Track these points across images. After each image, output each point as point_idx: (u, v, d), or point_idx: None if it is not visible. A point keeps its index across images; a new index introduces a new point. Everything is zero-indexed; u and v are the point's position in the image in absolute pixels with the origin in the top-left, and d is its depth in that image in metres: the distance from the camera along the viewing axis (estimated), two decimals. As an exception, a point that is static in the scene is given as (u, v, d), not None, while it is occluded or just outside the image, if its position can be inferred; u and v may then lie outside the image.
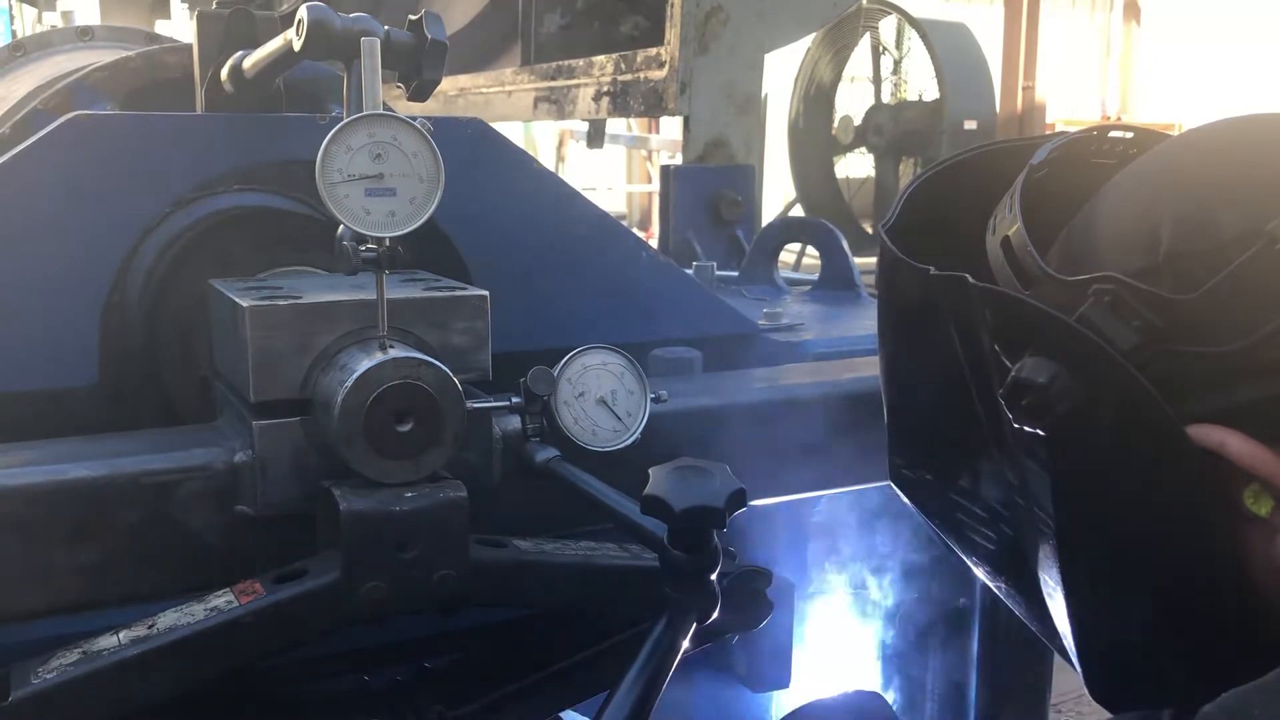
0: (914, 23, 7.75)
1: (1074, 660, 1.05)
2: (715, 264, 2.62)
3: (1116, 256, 0.95)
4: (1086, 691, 1.05)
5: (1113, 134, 1.11)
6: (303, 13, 1.33)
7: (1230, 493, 0.90)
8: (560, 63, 3.58)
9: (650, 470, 1.28)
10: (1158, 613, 0.98)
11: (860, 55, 8.26)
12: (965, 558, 1.19)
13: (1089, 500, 0.95)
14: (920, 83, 7.97)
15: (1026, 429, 0.92)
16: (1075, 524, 0.96)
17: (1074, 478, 0.94)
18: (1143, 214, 0.96)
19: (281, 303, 1.34)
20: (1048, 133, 1.37)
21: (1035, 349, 0.92)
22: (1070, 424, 0.90)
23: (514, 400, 1.41)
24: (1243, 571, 0.92)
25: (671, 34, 3.00)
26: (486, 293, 1.44)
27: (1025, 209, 1.01)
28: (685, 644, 1.33)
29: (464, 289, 1.46)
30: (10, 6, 8.72)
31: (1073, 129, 1.17)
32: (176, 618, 1.23)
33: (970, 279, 0.98)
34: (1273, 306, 0.86)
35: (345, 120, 1.23)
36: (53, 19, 6.54)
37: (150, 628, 1.22)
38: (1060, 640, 1.06)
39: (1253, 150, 0.96)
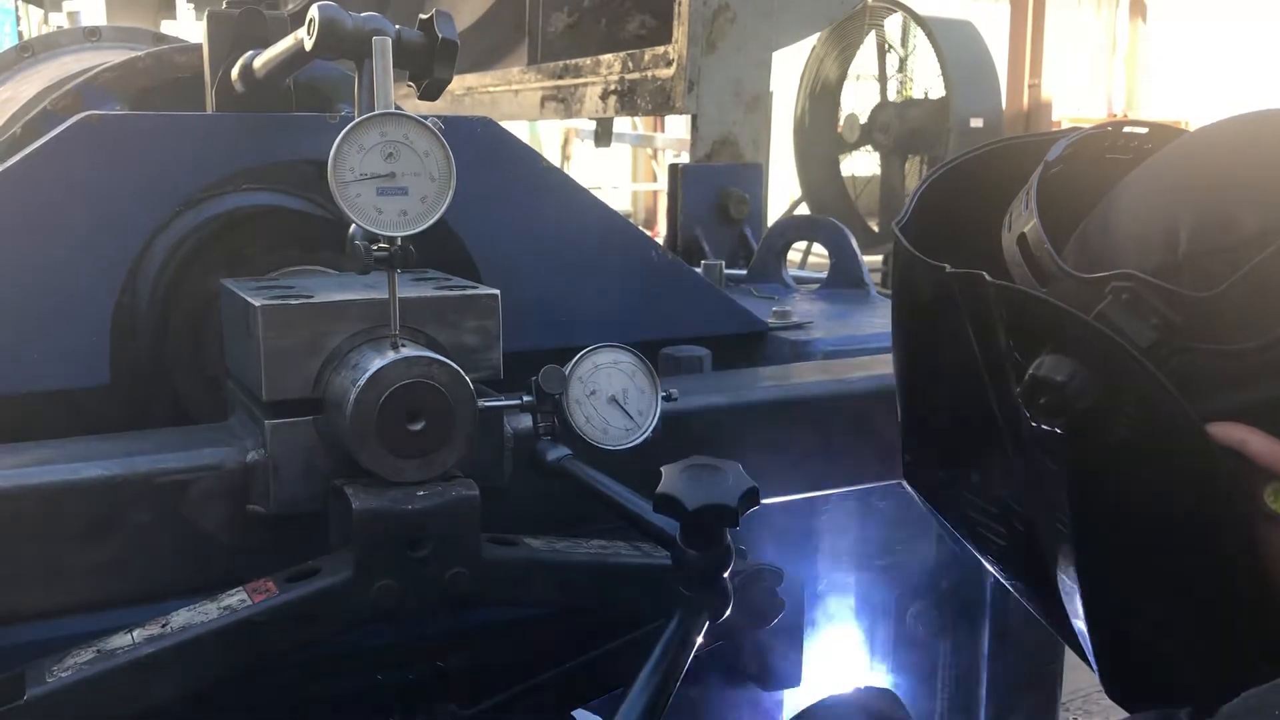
0: (919, 20, 7.73)
1: (1090, 658, 1.05)
2: (724, 262, 2.61)
3: (1134, 254, 0.95)
4: (1096, 690, 1.05)
5: (1127, 129, 1.11)
6: (314, 12, 1.32)
7: (1250, 491, 0.90)
8: (567, 61, 3.57)
9: (663, 468, 1.28)
10: (1176, 611, 0.97)
11: (866, 53, 8.25)
12: (979, 556, 1.19)
13: (1107, 499, 0.94)
14: (926, 81, 7.95)
15: (1044, 427, 0.92)
16: (1093, 522, 0.95)
17: (1092, 476, 0.94)
18: (1161, 211, 0.96)
19: (293, 302, 1.34)
20: (1059, 129, 1.37)
21: (1053, 347, 0.91)
22: (1088, 422, 0.90)
23: (525, 399, 1.40)
24: (1262, 570, 0.92)
25: (679, 32, 3.00)
26: (497, 291, 1.44)
27: (1041, 205, 1.00)
28: (697, 642, 1.33)
29: (475, 288, 1.46)
30: (16, 7, 8.72)
31: (1080, 126, 1.17)
32: (190, 616, 1.23)
33: (987, 276, 0.98)
34: None
35: (357, 119, 1.23)
36: (58, 20, 6.55)
37: (164, 627, 1.22)
38: (1076, 638, 1.06)
39: (1270, 147, 0.96)
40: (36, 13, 7.72)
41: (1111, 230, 1.00)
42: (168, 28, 5.72)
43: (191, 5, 5.92)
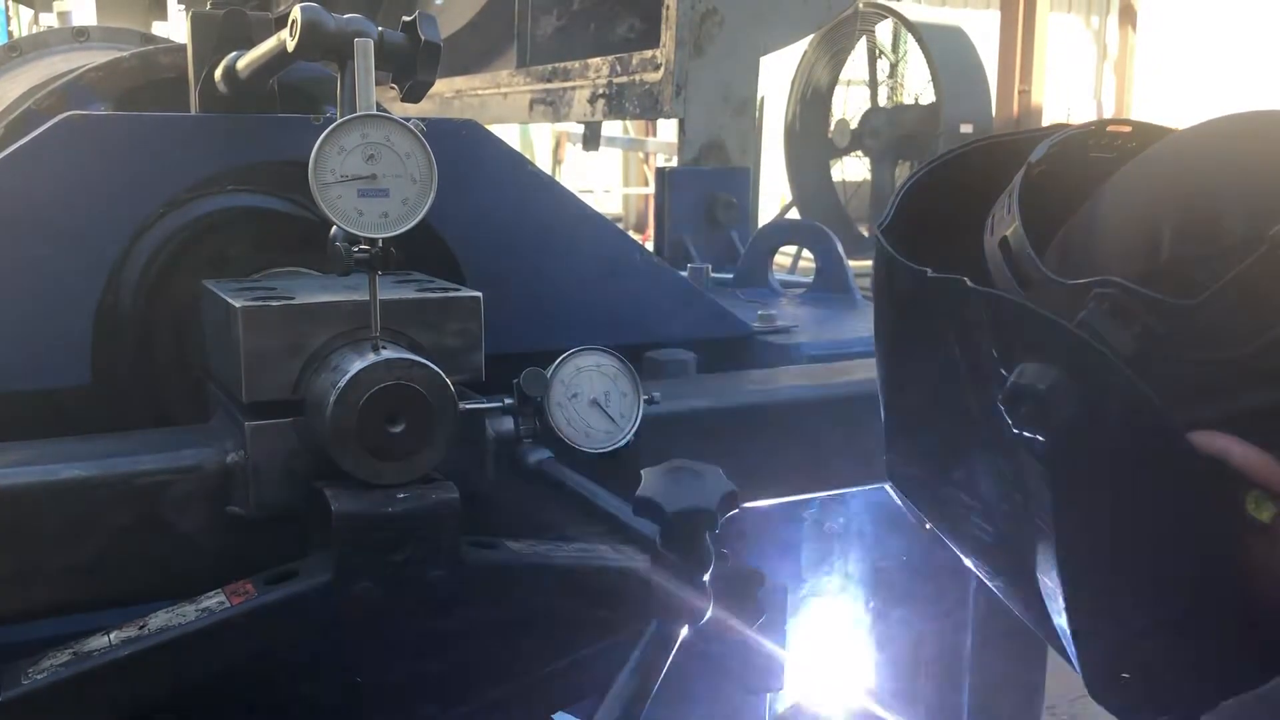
0: (910, 26, 7.75)
1: (1073, 659, 1.04)
2: (710, 266, 2.61)
3: (1117, 260, 0.94)
4: (1082, 693, 1.04)
5: (1110, 129, 1.10)
6: (296, 13, 1.32)
7: (1232, 499, 0.89)
8: (556, 65, 3.57)
9: (643, 472, 1.28)
10: (1158, 618, 0.97)
11: (857, 58, 8.26)
12: (962, 555, 1.19)
13: (1090, 506, 0.94)
14: (916, 86, 7.96)
15: (1026, 435, 0.92)
16: (1076, 529, 0.95)
17: (1074, 484, 0.93)
18: (1144, 216, 0.95)
19: (274, 303, 1.33)
20: (1044, 126, 1.36)
21: (1035, 354, 0.91)
22: (1070, 431, 0.89)
23: (507, 402, 1.40)
24: (1244, 578, 0.91)
25: (667, 36, 3.00)
26: (480, 294, 1.43)
27: (1024, 207, 1.00)
28: (677, 646, 1.33)
29: (457, 290, 1.45)
30: (6, 7, 8.69)
31: (1066, 125, 1.16)
32: (168, 618, 1.22)
33: (968, 282, 0.97)
34: (1276, 312, 0.85)
35: (338, 121, 1.23)
36: (49, 20, 6.52)
37: (141, 628, 1.21)
38: (1060, 641, 1.06)
39: (1255, 151, 0.95)
40: (27, 12, 7.69)
41: (1094, 235, 1.00)
42: (159, 29, 5.70)
43: (182, 7, 5.90)
